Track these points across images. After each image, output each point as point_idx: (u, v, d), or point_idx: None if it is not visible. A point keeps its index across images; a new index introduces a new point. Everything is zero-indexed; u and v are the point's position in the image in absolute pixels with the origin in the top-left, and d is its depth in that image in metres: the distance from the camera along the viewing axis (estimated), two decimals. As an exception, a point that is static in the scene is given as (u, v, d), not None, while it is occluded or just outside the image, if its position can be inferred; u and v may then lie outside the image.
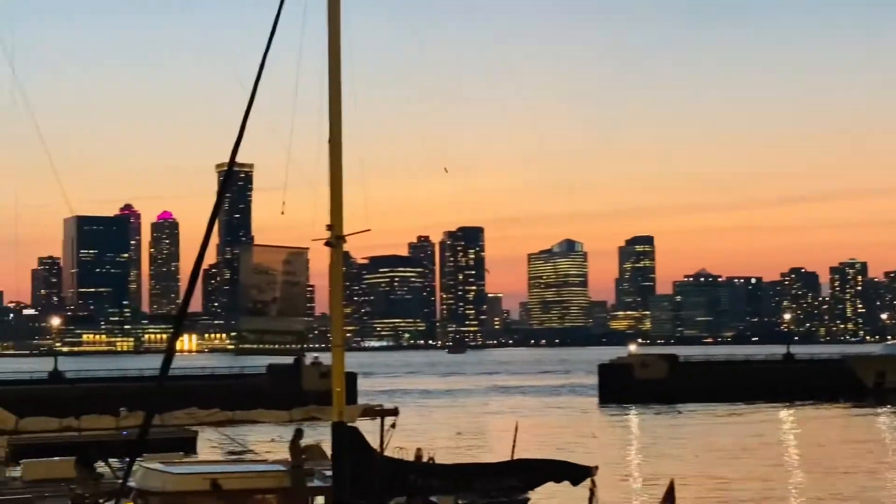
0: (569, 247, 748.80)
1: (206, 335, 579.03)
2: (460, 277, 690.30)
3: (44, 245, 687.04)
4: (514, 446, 29.46)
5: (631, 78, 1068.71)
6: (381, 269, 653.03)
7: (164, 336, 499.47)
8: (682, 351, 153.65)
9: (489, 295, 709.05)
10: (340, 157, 25.03)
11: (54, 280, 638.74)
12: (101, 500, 28.01)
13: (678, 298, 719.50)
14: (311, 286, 31.30)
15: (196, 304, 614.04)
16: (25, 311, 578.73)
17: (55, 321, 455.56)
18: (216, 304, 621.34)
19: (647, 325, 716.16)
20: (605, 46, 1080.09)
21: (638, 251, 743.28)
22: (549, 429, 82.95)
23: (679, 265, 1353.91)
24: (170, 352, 24.96)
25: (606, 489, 28.94)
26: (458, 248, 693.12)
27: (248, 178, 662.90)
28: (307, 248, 26.00)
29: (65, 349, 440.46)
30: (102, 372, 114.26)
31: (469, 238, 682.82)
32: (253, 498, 27.64)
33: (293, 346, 26.48)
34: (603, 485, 27.69)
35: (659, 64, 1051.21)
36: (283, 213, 25.30)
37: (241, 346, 26.26)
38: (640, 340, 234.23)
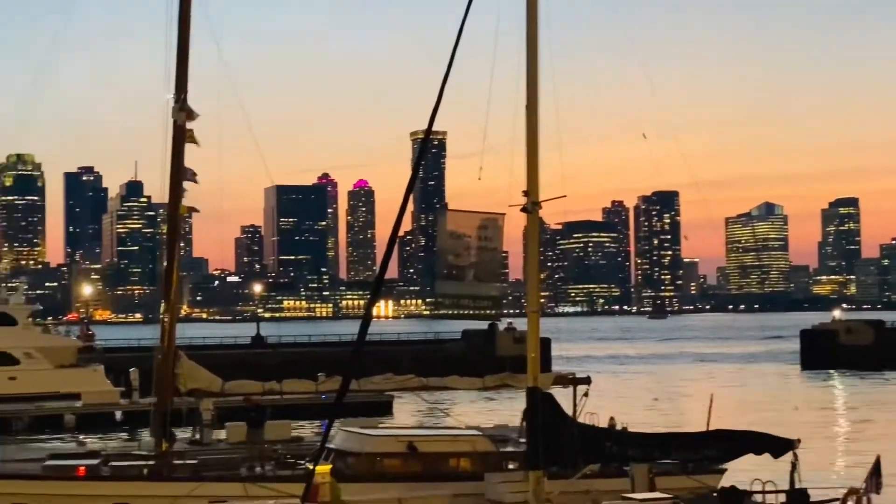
0: (768, 210, 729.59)
1: (402, 301, 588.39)
2: (655, 242, 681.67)
3: (246, 214, 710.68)
4: (709, 417, 28.89)
5: (835, 38, 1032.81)
6: (576, 235, 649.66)
7: (361, 302, 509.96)
8: (890, 317, 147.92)
9: (685, 260, 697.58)
10: (537, 123, 24.87)
11: (256, 248, 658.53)
12: (301, 461, 28.73)
13: (885, 262, 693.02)
14: (506, 252, 31.31)
15: (392, 271, 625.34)
16: (229, 279, 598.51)
17: (257, 288, 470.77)
18: (412, 270, 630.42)
19: (852, 289, 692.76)
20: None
21: (842, 213, 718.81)
22: (749, 396, 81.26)
23: (886, 228, 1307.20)
24: (367, 318, 25.33)
25: (808, 462, 28.09)
26: (653, 212, 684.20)
27: (442, 146, 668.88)
28: (503, 214, 26.00)
29: (266, 315, 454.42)
30: (302, 337, 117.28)
31: (664, 202, 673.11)
32: (448, 461, 27.95)
33: (488, 311, 26.53)
34: (805, 457, 26.90)
35: (871, 19, 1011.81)
36: (479, 178, 25.32)
37: (437, 310, 26.48)
38: (844, 306, 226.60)
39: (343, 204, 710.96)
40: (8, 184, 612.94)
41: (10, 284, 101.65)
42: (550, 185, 25.51)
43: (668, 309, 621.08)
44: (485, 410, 68.16)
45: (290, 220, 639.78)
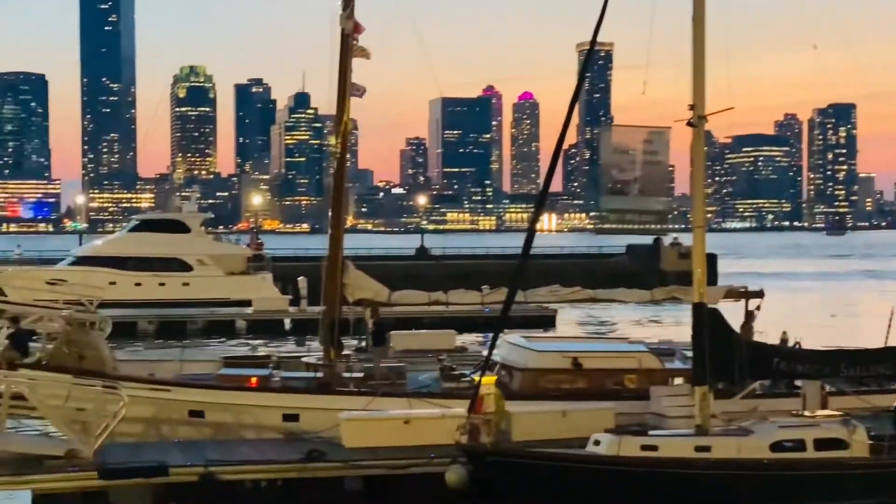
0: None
1: (566, 215, 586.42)
2: (829, 157, 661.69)
3: (411, 127, 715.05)
4: (888, 332, 28.01)
5: None
6: (745, 149, 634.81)
7: (525, 216, 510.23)
8: None
9: (861, 175, 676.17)
10: (703, 36, 24.31)
11: (420, 160, 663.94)
12: (466, 372, 29.04)
13: None
14: (672, 166, 30.78)
15: (556, 185, 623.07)
16: (394, 191, 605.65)
17: (421, 200, 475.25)
18: (576, 184, 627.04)
19: None
20: None
21: None
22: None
23: None
24: (531, 230, 25.27)
25: None
26: (828, 125, 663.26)
27: (609, 58, 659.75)
28: (669, 128, 25.54)
29: (430, 227, 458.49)
30: (466, 249, 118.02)
31: (840, 115, 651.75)
32: (613, 377, 27.85)
33: (654, 225, 26.25)
34: None
35: None
36: (643, 93, 24.85)
37: (601, 225, 26.34)
38: None
39: (508, 116, 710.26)
40: (181, 95, 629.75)
41: (183, 193, 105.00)
42: (719, 98, 24.95)
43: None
44: (650, 325, 67.75)
45: (455, 132, 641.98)
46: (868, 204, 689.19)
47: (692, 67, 24.35)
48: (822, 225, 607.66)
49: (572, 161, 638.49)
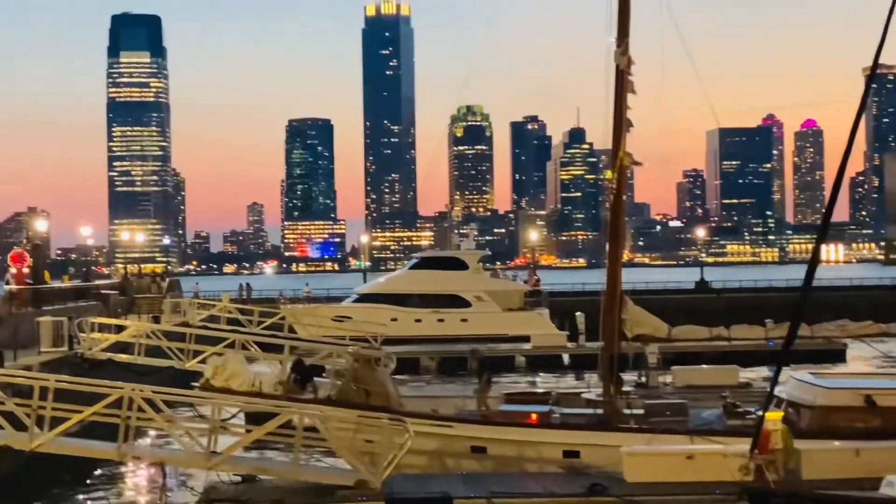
0: None
1: (854, 245, 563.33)
2: None
3: (688, 158, 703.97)
4: None
5: None
6: None
7: (809, 246, 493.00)
8: None
9: None
10: None
11: (698, 192, 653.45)
12: (750, 409, 28.32)
13: None
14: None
15: (843, 213, 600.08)
16: (671, 223, 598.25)
17: (700, 232, 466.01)
18: (864, 212, 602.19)
19: None
20: None
21: None
22: None
23: None
24: (814, 260, 24.46)
25: None
26: None
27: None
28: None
29: (709, 259, 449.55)
30: (747, 282, 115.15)
31: None
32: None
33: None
34: None
35: None
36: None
37: (891, 255, 25.17)
38: None
39: (789, 145, 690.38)
40: (459, 134, 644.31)
41: (461, 231, 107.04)
42: None
43: None
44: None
45: (734, 162, 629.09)
46: None
47: None
48: None
49: (860, 189, 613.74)
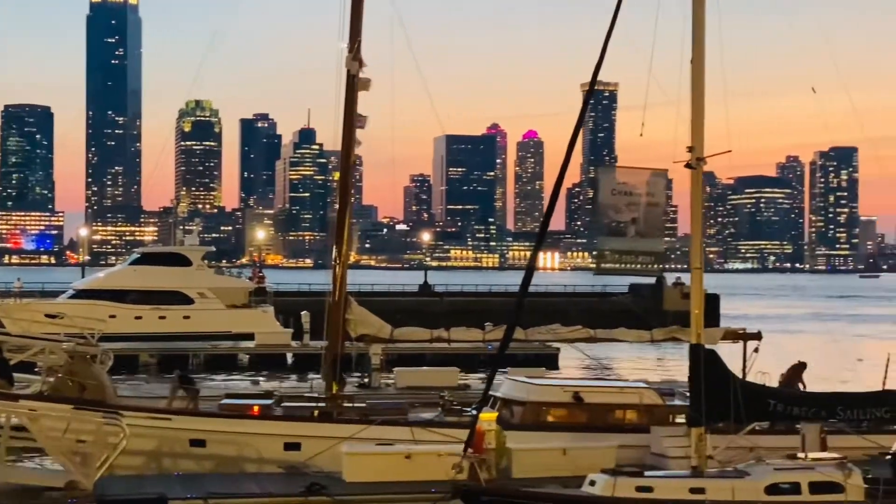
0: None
1: (569, 254, 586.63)
2: (831, 199, 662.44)
3: (415, 163, 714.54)
4: (885, 377, 28.21)
5: None
6: (748, 190, 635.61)
7: (528, 253, 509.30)
8: None
9: (862, 218, 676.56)
10: (702, 79, 24.55)
11: (424, 197, 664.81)
12: (467, 408, 29.18)
13: None
14: (675, 206, 31.09)
15: (559, 223, 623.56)
16: (398, 227, 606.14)
17: (425, 237, 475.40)
18: (579, 223, 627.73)
19: None
20: None
21: None
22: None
23: None
24: (531, 267, 25.48)
25: None
26: (830, 168, 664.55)
27: (613, 98, 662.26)
28: (667, 170, 25.80)
29: (434, 263, 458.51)
30: (469, 287, 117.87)
31: (841, 158, 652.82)
32: (614, 412, 28.08)
33: (652, 266, 26.46)
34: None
35: None
36: (641, 134, 25.10)
37: (600, 265, 26.52)
38: None
39: (512, 155, 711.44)
40: (187, 129, 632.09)
41: (186, 227, 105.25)
42: (718, 140, 25.17)
43: (843, 268, 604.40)
44: (652, 365, 67.71)
45: (459, 169, 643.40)
46: (869, 246, 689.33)
47: (691, 109, 24.59)
48: (824, 267, 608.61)
49: (576, 200, 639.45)
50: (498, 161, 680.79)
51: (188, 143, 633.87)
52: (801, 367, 31.67)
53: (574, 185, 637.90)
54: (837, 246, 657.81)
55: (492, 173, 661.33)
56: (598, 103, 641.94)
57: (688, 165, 24.59)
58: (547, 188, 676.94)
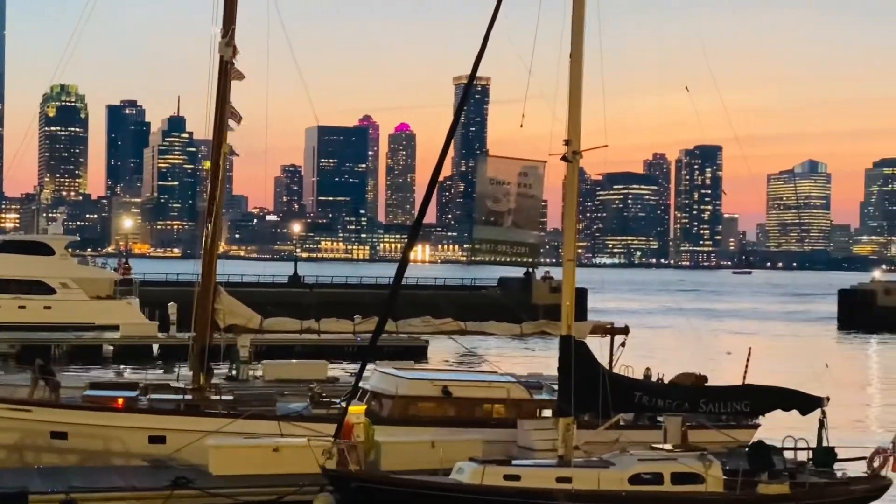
0: (811, 168, 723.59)
1: (440, 247, 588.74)
2: (696, 196, 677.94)
3: (287, 154, 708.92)
4: (745, 372, 29.00)
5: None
6: (616, 186, 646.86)
7: (399, 246, 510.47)
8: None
9: (725, 215, 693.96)
10: (581, 73, 24.82)
11: (296, 188, 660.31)
12: (335, 400, 29.05)
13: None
14: (545, 201, 31.33)
15: (431, 216, 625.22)
16: (268, 217, 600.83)
17: (295, 228, 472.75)
18: (450, 216, 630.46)
19: (893, 250, 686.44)
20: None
21: (886, 174, 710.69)
22: (783, 354, 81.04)
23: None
24: (404, 261, 25.49)
25: (838, 420, 28.13)
26: (695, 166, 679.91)
27: (485, 92, 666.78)
28: (544, 162, 26.01)
29: (304, 255, 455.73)
30: (339, 278, 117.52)
31: (706, 156, 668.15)
32: (482, 406, 28.24)
33: (526, 258, 26.66)
34: (834, 416, 26.96)
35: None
36: (521, 125, 25.31)
37: (474, 255, 26.65)
38: (884, 267, 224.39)
39: (384, 147, 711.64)
40: (51, 114, 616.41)
41: (50, 215, 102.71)
42: (593, 135, 25.50)
43: (705, 264, 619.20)
44: (521, 358, 68.32)
45: (331, 161, 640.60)
46: (732, 244, 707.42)
47: (568, 104, 24.85)
48: (688, 263, 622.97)
49: (447, 193, 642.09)
50: (370, 153, 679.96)
51: (53, 128, 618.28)
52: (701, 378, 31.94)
53: (446, 179, 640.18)
54: (701, 242, 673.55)
55: (363, 165, 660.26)
56: (471, 97, 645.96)
57: (564, 158, 24.87)
58: (418, 181, 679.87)
